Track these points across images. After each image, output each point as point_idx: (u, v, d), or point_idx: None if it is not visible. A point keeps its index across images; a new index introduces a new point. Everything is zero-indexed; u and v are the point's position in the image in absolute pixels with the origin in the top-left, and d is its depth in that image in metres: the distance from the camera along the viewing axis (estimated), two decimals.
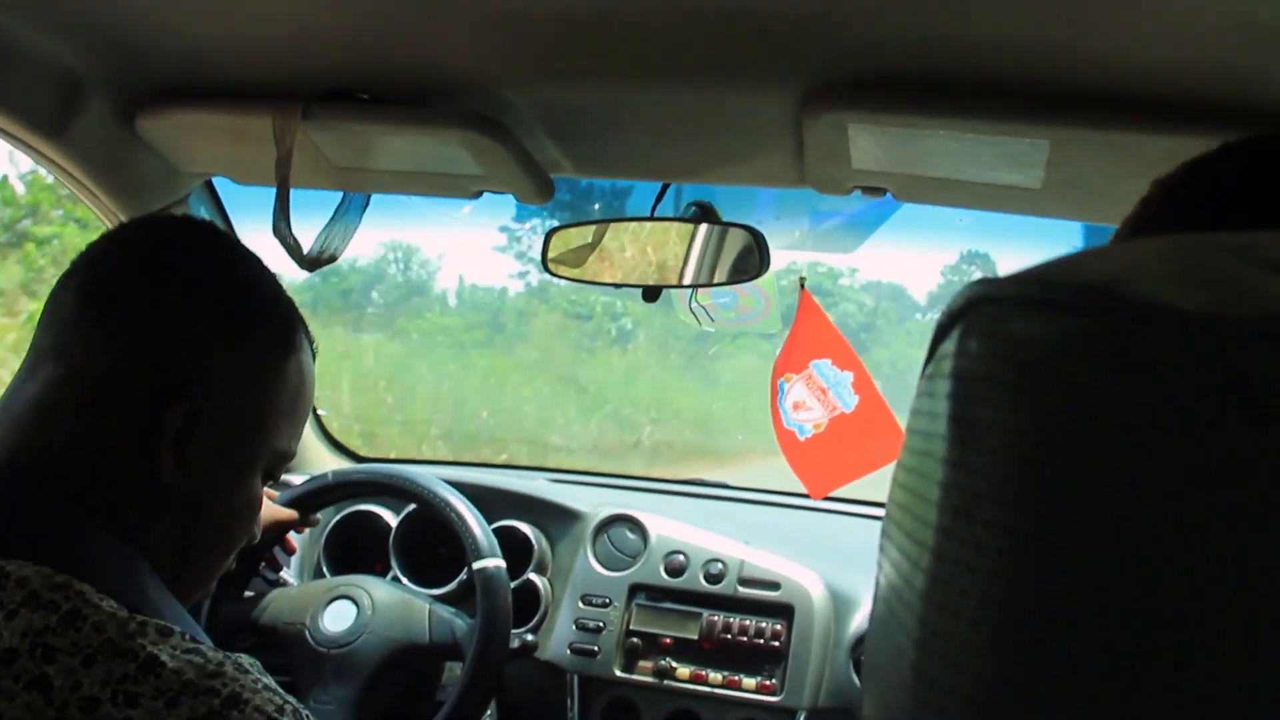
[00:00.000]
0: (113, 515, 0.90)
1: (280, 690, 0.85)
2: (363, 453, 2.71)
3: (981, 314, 0.38)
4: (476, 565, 1.79)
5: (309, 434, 2.54)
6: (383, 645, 1.80)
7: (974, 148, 1.21)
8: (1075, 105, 1.13)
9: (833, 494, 2.20)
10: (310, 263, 1.49)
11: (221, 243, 1.03)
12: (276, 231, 1.43)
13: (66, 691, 0.76)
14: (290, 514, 1.81)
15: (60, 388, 0.91)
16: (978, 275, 0.40)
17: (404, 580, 2.07)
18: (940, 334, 0.41)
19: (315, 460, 2.53)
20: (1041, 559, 0.34)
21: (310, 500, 1.92)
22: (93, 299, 0.94)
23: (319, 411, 2.61)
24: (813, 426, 1.98)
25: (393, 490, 1.94)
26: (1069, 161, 1.20)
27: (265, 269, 1.04)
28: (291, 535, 1.93)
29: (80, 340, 0.93)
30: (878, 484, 2.06)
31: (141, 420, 0.91)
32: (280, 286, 1.04)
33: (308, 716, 0.86)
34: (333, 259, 1.52)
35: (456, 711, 1.72)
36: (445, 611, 1.87)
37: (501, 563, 1.80)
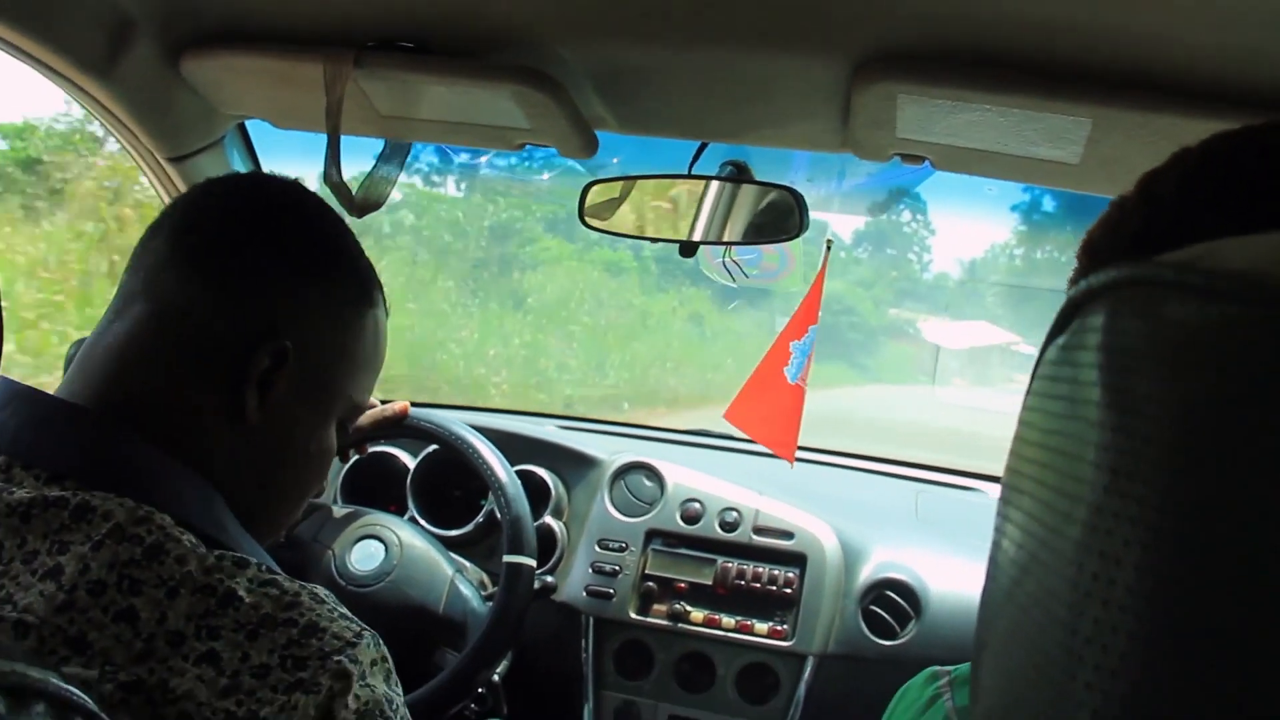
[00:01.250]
0: (194, 453, 0.93)
1: (355, 618, 0.88)
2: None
3: (1132, 294, 0.41)
4: (510, 559, 1.80)
5: None
6: (398, 599, 1.82)
7: (1017, 122, 1.24)
8: (1119, 85, 1.15)
9: (844, 450, 2.25)
10: (359, 209, 1.51)
11: (310, 199, 1.05)
12: (327, 178, 1.45)
13: (153, 624, 0.78)
14: (402, 406, 1.86)
15: (149, 326, 0.94)
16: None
17: (421, 521, 2.10)
18: (1076, 308, 0.44)
19: None
20: (1203, 521, 0.38)
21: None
22: (185, 243, 0.97)
23: None
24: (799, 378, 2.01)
25: (440, 441, 1.94)
26: (1109, 140, 1.22)
27: (348, 228, 1.06)
28: None
29: (171, 281, 0.95)
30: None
31: (229, 360, 0.94)
32: (359, 245, 1.07)
33: (381, 642, 0.89)
34: (378, 205, 1.54)
35: (459, 677, 1.76)
36: (466, 588, 1.88)
37: (533, 563, 1.82)
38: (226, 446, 0.96)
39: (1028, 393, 0.51)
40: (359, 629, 0.86)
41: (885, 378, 8.36)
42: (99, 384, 0.93)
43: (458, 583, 1.87)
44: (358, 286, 1.05)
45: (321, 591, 0.89)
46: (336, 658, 0.82)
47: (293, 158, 2.78)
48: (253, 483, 0.99)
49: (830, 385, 7.28)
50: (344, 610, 0.89)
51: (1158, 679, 0.39)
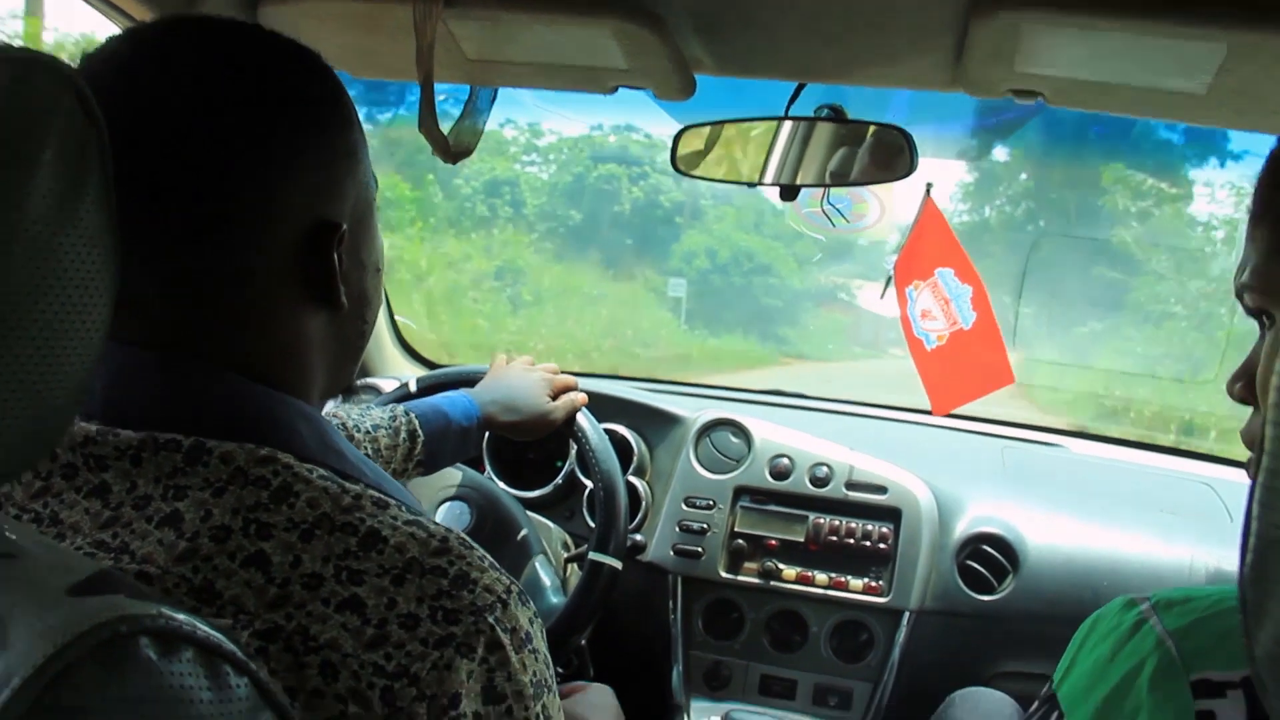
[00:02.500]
0: (290, 364, 0.89)
1: (503, 569, 0.84)
2: (436, 359, 2.72)
3: None
4: (595, 557, 1.76)
5: (388, 343, 2.55)
6: (509, 509, 1.83)
7: (1145, 51, 1.19)
8: (1260, 7, 1.10)
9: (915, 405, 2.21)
10: (454, 156, 1.48)
11: (268, 40, 0.91)
12: (423, 126, 1.41)
13: (286, 568, 0.75)
14: (581, 399, 1.83)
15: (213, 259, 0.85)
16: None
17: (499, 481, 2.08)
18: None
19: (393, 367, 2.54)
20: None
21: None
22: (197, 156, 0.83)
23: (397, 319, 2.61)
24: (937, 338, 1.97)
25: None
26: (1241, 69, 1.17)
27: (314, 57, 0.94)
28: None
29: (203, 214, 0.84)
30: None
31: (290, 260, 0.87)
32: (325, 69, 0.95)
33: (529, 599, 0.85)
34: (468, 153, 1.51)
35: (582, 591, 1.75)
36: (547, 576, 1.85)
37: (619, 565, 1.77)
38: (320, 341, 0.92)
39: None
40: (508, 583, 0.82)
41: (811, 353, 7.87)
42: (172, 331, 0.85)
43: (539, 568, 1.84)
44: (348, 122, 0.94)
45: (467, 538, 0.85)
46: (490, 617, 0.78)
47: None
48: (346, 353, 0.98)
49: (743, 366, 6.94)
50: (491, 559, 0.85)
51: None
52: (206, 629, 0.62)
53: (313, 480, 0.80)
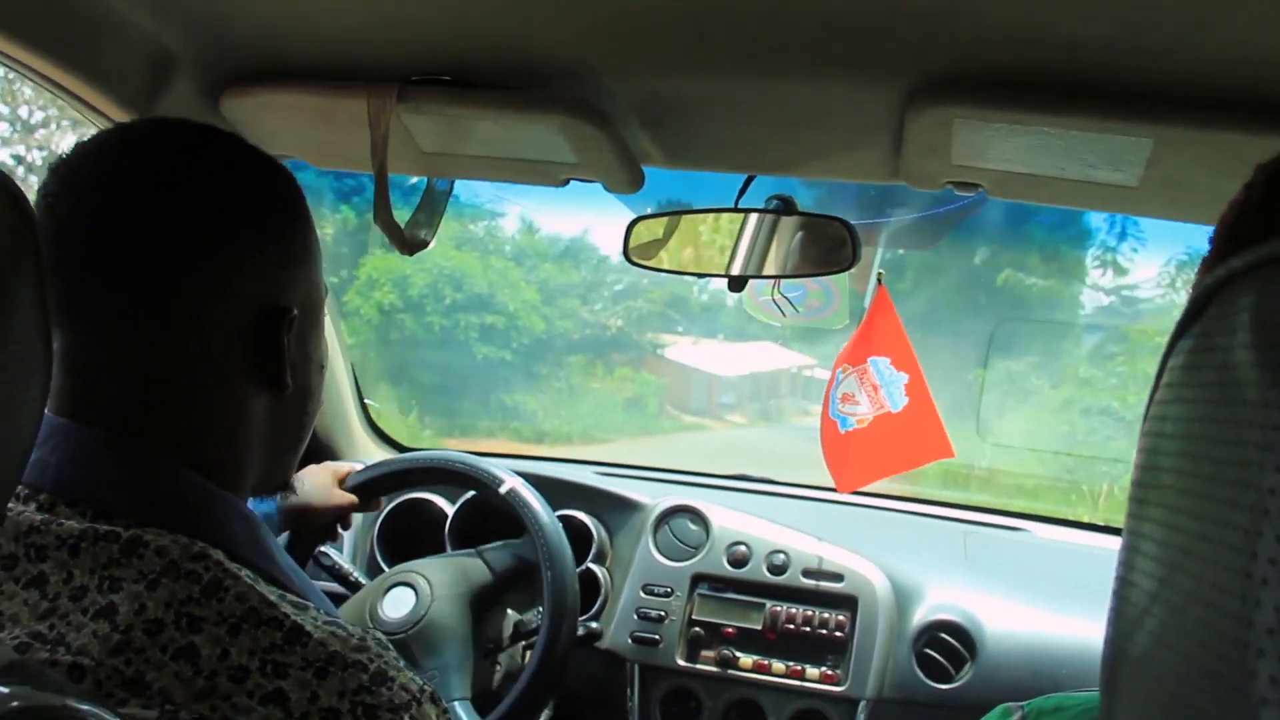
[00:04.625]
0: (230, 452, 0.93)
1: (415, 671, 0.87)
2: (409, 444, 2.73)
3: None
4: (548, 620, 1.79)
5: (356, 424, 2.55)
6: (456, 605, 1.82)
7: (1075, 145, 1.22)
8: (1181, 104, 1.13)
9: (878, 490, 2.22)
10: (410, 247, 1.50)
11: (236, 143, 0.98)
12: (378, 218, 1.44)
13: (214, 660, 0.76)
14: (351, 498, 1.82)
15: (166, 339, 0.89)
16: None
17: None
18: (1212, 295, 0.43)
19: (362, 450, 2.55)
20: None
21: (377, 484, 1.93)
22: (155, 244, 0.88)
23: (366, 402, 2.62)
24: (855, 421, 2.00)
25: (456, 476, 1.95)
26: (1171, 161, 1.20)
27: (264, 157, 0.99)
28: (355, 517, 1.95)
29: (156, 296, 0.88)
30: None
31: (251, 354, 0.92)
32: (278, 168, 1.00)
33: (441, 700, 0.87)
34: (426, 244, 1.53)
35: (533, 680, 1.74)
36: (494, 547, 1.91)
37: (574, 624, 1.81)
38: (261, 424, 0.96)
39: (1155, 391, 0.49)
40: (421, 684, 0.85)
41: (578, 427, 6.60)
42: (117, 408, 0.88)
43: (484, 550, 1.93)
44: (304, 224, 1.00)
45: (383, 638, 0.87)
46: (406, 715, 0.80)
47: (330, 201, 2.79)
48: (285, 443, 1.01)
49: (557, 440, 6.13)
50: (404, 661, 0.87)
51: None
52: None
53: (241, 577, 0.81)
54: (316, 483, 1.81)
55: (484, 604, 1.88)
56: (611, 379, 6.59)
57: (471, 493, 2.10)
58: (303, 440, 1.05)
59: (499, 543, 1.96)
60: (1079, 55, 1.12)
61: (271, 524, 1.69)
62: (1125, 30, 1.05)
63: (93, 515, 0.82)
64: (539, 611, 1.86)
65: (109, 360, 0.87)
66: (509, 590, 1.94)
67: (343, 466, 1.89)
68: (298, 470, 1.08)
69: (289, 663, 0.78)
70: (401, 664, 0.85)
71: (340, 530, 1.89)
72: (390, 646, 0.86)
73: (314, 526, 1.78)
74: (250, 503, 1.01)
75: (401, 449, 2.69)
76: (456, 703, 1.75)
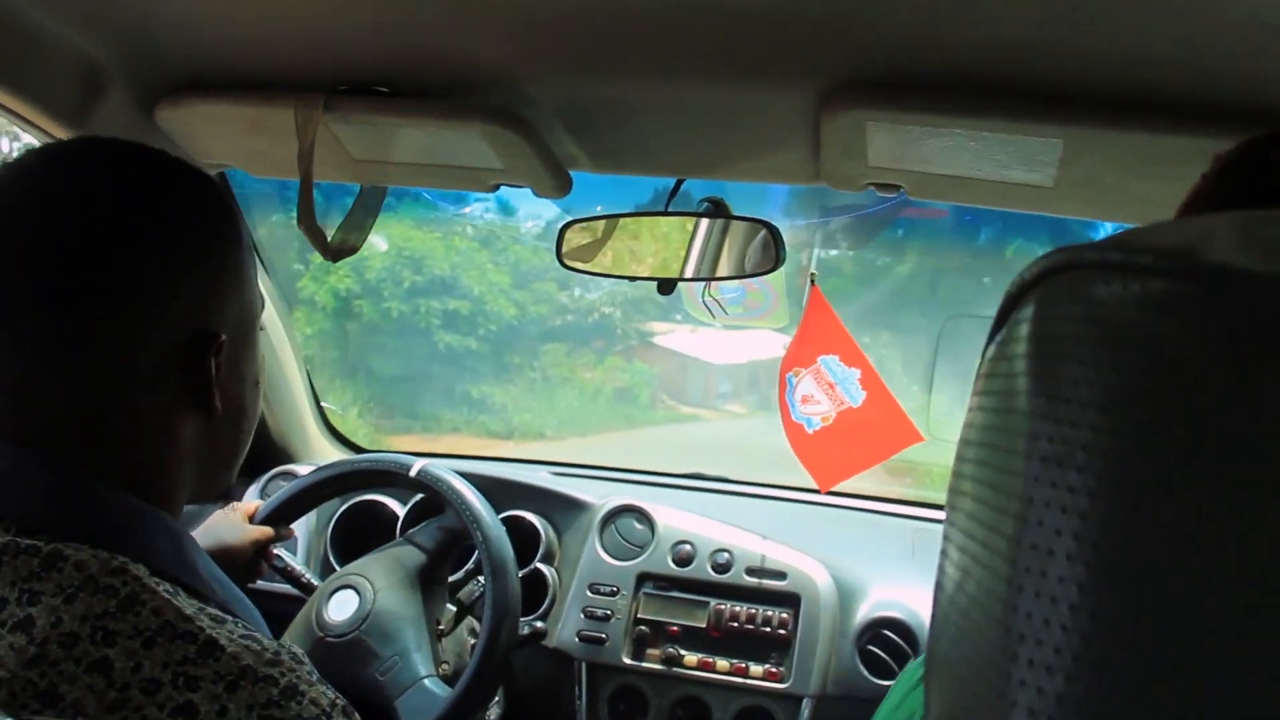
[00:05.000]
0: (160, 469, 0.93)
1: (330, 686, 0.87)
2: (366, 446, 2.74)
3: (1062, 280, 0.41)
4: (489, 616, 1.81)
5: (312, 427, 2.56)
6: (399, 591, 1.85)
7: (988, 146, 1.23)
8: (1089, 105, 1.15)
9: (834, 488, 2.22)
10: (334, 254, 1.51)
11: (165, 163, 0.98)
12: (302, 223, 1.45)
13: (128, 673, 0.77)
14: (265, 531, 1.83)
15: (97, 362, 0.89)
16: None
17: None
18: (1012, 302, 0.44)
19: (319, 452, 2.55)
20: (1133, 500, 0.37)
21: (287, 508, 1.96)
22: (86, 264, 0.89)
23: (323, 405, 2.63)
24: (820, 420, 2.00)
25: (364, 477, 1.99)
26: (1082, 160, 1.22)
27: (211, 179, 1.01)
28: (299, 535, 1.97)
29: (88, 316, 0.89)
30: (873, 480, 2.09)
31: (165, 367, 0.92)
32: (211, 185, 1.01)
33: (354, 713, 0.88)
34: (354, 250, 1.54)
35: (473, 681, 1.75)
36: (420, 528, 1.96)
37: (514, 623, 1.82)
38: (193, 443, 0.96)
39: (971, 397, 0.50)
40: (333, 697, 0.86)
41: (631, 418, 6.11)
42: (48, 427, 0.89)
43: (411, 535, 1.96)
44: (235, 242, 1.00)
45: (299, 651, 0.88)
46: None
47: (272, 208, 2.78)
48: (219, 460, 1.02)
49: (544, 436, 5.66)
50: (319, 674, 0.88)
51: (1094, 671, 0.38)
52: None
53: (158, 591, 0.82)
54: (228, 523, 1.83)
55: (426, 584, 1.91)
56: (601, 368, 6.09)
57: (420, 495, 2.11)
58: (238, 455, 1.06)
59: (423, 523, 1.98)
60: (986, 58, 1.13)
61: None
62: (1031, 34, 1.07)
63: (16, 530, 0.83)
64: (479, 582, 1.88)
65: (39, 380, 0.88)
66: (444, 564, 1.96)
67: (249, 504, 1.90)
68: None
69: (201, 675, 0.79)
70: (315, 678, 0.86)
71: (265, 565, 1.90)
72: (305, 660, 0.87)
73: (236, 566, 1.80)
74: None
75: (358, 449, 2.70)
76: (425, 680, 1.77)
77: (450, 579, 1.99)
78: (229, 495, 1.09)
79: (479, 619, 1.87)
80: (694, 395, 6.12)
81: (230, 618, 0.86)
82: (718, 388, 6.03)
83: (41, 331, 0.87)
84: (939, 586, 0.50)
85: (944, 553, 0.50)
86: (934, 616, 0.51)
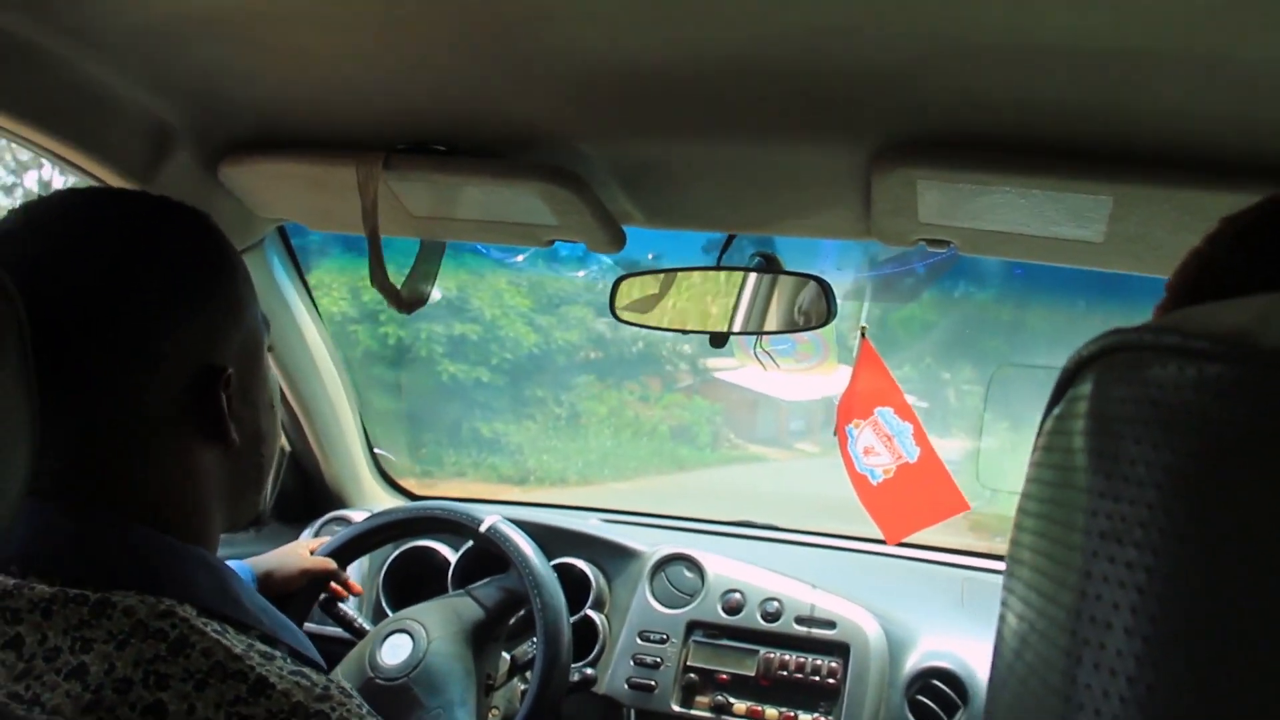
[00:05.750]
0: (195, 510, 0.96)
1: (380, 717, 0.89)
2: (418, 492, 2.76)
3: (1118, 360, 0.42)
4: (541, 666, 1.84)
5: (366, 473, 2.59)
6: (452, 644, 1.85)
7: (1038, 203, 1.25)
8: (1138, 163, 1.16)
9: (878, 536, 2.23)
10: (408, 306, 1.54)
11: (164, 209, 1.00)
12: (374, 280, 1.48)
13: (182, 715, 0.78)
14: (325, 564, 1.88)
15: (104, 409, 0.91)
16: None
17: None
18: (1068, 379, 0.45)
19: (372, 498, 2.58)
20: (1191, 577, 0.38)
21: (348, 549, 2.00)
22: (83, 313, 0.91)
23: (376, 451, 2.66)
24: (883, 472, 2.00)
25: (434, 524, 2.03)
26: (1131, 217, 1.22)
27: (203, 217, 1.03)
28: (353, 577, 2.00)
29: (89, 365, 0.91)
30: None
31: (191, 414, 0.95)
32: (211, 227, 1.03)
33: None
34: (422, 302, 1.58)
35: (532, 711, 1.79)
36: (482, 584, 1.97)
37: (564, 674, 1.85)
38: (215, 475, 0.98)
39: (1029, 465, 0.51)
40: None
41: (696, 457, 5.55)
42: (66, 478, 0.91)
43: (473, 589, 1.97)
44: (230, 277, 1.02)
45: (347, 686, 0.90)
46: None
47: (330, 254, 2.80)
48: (245, 487, 1.04)
49: (545, 481, 5.11)
50: (369, 708, 0.90)
51: None
52: None
53: (207, 632, 0.84)
54: (282, 553, 1.88)
55: (480, 640, 1.91)
56: (658, 406, 5.62)
57: (471, 541, 2.13)
58: (263, 480, 1.07)
59: (485, 580, 2.00)
60: (1034, 117, 1.15)
61: None
62: (1077, 93, 1.08)
63: (63, 581, 0.85)
64: (534, 642, 1.89)
65: (49, 432, 0.87)
66: (502, 623, 1.97)
67: (312, 542, 1.96)
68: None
69: (253, 715, 0.80)
70: (365, 711, 0.87)
71: (322, 608, 1.95)
72: (354, 694, 0.89)
73: (285, 595, 1.83)
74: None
75: (412, 497, 2.73)
76: None
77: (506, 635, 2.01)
78: (260, 520, 1.10)
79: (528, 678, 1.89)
80: (764, 433, 5.88)
81: (278, 652, 0.88)
82: (789, 425, 5.77)
83: (51, 384, 0.87)
84: (997, 651, 0.51)
85: (1002, 617, 0.51)
86: (992, 680, 0.52)
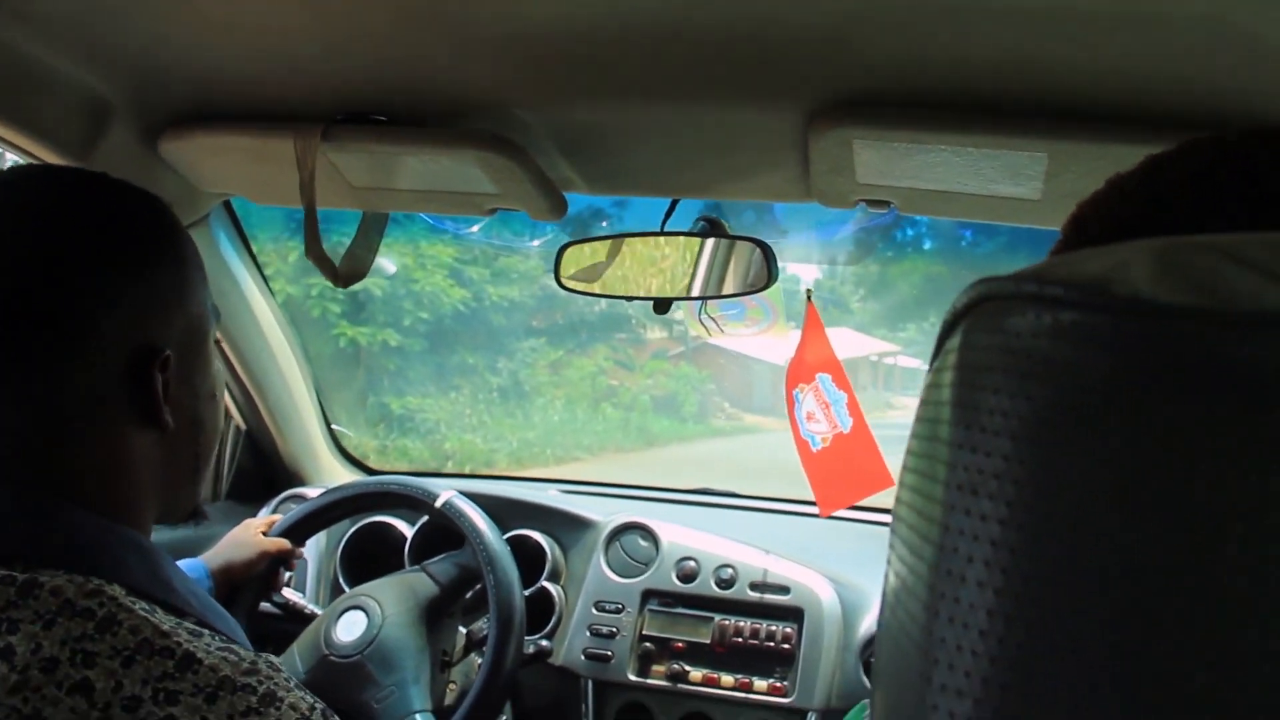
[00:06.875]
0: (123, 489, 0.94)
1: (308, 690, 0.89)
2: (377, 466, 2.75)
3: (983, 310, 0.42)
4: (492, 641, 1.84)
5: (323, 450, 2.58)
6: (407, 620, 1.86)
7: (974, 161, 1.25)
8: (1072, 119, 1.16)
9: None
10: (344, 280, 1.53)
11: (103, 185, 0.99)
12: (310, 253, 1.47)
13: (109, 693, 0.78)
14: (280, 544, 1.88)
15: (37, 386, 0.91)
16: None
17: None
18: (945, 331, 0.45)
19: (330, 475, 2.57)
20: (1041, 528, 0.38)
21: (304, 525, 1.99)
22: (15, 286, 0.90)
23: (334, 427, 2.65)
24: (821, 439, 2.00)
25: (389, 499, 2.03)
26: (1067, 173, 1.23)
27: (151, 198, 1.02)
28: (309, 554, 1.99)
29: (21, 339, 0.90)
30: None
31: (126, 394, 0.94)
32: (155, 202, 1.02)
33: (333, 716, 0.90)
34: (361, 276, 1.57)
35: (479, 699, 1.78)
36: (437, 560, 1.97)
37: (512, 649, 1.85)
38: (150, 460, 0.97)
39: (913, 420, 0.51)
40: (312, 701, 0.87)
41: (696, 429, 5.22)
42: (12, 458, 0.90)
43: (427, 565, 1.97)
44: (177, 259, 1.01)
45: (276, 660, 0.89)
46: None
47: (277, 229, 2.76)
48: (180, 475, 1.02)
49: (493, 465, 4.71)
50: (297, 680, 0.90)
51: (1001, 694, 0.39)
52: None
53: (135, 610, 0.84)
54: (244, 536, 1.88)
55: (435, 617, 1.92)
56: (641, 374, 5.11)
57: (427, 516, 2.13)
58: (200, 470, 1.06)
59: (441, 555, 2.00)
60: (968, 75, 1.15)
61: (210, 593, 1.72)
62: (1011, 50, 1.08)
63: None
64: (489, 619, 1.89)
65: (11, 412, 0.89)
66: (457, 599, 1.97)
67: (265, 519, 1.96)
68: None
69: (180, 690, 0.80)
70: (292, 684, 0.87)
71: (286, 572, 1.94)
72: (282, 668, 0.89)
73: (246, 581, 1.83)
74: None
75: (369, 471, 2.72)
76: (418, 714, 1.78)
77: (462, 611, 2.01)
78: (198, 514, 1.09)
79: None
80: (761, 401, 5.71)
81: (207, 631, 0.87)
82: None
83: None
84: (880, 609, 0.51)
85: (885, 575, 0.51)
86: (877, 640, 0.52)
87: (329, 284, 1.53)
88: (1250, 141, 0.55)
